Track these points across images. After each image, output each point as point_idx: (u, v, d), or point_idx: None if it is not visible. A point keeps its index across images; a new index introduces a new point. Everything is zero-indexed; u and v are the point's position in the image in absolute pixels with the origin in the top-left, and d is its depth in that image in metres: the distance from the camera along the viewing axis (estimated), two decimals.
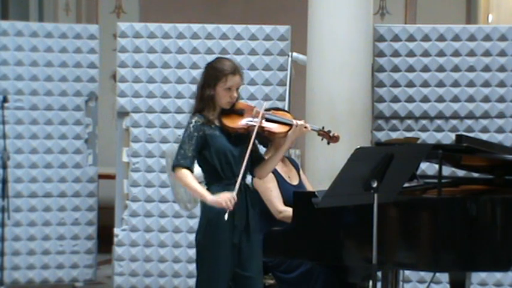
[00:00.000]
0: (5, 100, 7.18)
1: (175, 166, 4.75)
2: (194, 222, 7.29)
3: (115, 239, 7.45)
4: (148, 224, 7.40)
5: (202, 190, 4.73)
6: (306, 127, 4.83)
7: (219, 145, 4.77)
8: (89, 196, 7.69)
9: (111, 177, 8.10)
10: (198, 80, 4.90)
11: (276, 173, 5.68)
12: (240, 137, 4.79)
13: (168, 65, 7.39)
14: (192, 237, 7.33)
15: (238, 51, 7.37)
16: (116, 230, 7.45)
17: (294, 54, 7.35)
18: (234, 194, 4.61)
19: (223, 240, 4.74)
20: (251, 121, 4.79)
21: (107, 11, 10.88)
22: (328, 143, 5.04)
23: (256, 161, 4.94)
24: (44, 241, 7.60)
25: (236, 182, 4.67)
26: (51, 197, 7.61)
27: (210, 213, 4.77)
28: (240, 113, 4.83)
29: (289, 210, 5.45)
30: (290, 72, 7.32)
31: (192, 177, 4.73)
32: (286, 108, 6.90)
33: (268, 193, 5.62)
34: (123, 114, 7.45)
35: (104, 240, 7.83)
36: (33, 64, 7.55)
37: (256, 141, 5.05)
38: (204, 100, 4.81)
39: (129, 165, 7.42)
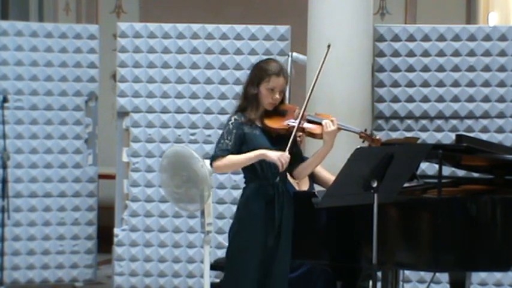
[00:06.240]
0: (5, 100, 7.18)
1: (214, 158, 4.77)
2: (194, 222, 7.29)
3: (115, 239, 7.44)
4: (148, 224, 7.40)
5: (256, 151, 4.73)
6: (334, 123, 4.79)
7: (258, 145, 4.78)
8: (89, 196, 7.69)
9: (111, 177, 8.10)
10: (244, 79, 4.94)
11: None
12: (282, 138, 4.78)
13: (168, 65, 7.39)
14: (192, 237, 7.35)
15: (238, 51, 7.36)
16: (116, 230, 7.45)
17: (294, 54, 7.34)
18: (286, 154, 4.66)
19: (254, 241, 4.75)
20: (293, 122, 4.79)
21: (107, 11, 10.87)
22: (369, 146, 5.00)
23: (297, 162, 4.93)
24: (44, 241, 7.60)
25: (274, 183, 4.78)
26: (51, 197, 7.60)
27: (244, 213, 4.81)
28: (282, 114, 4.85)
29: None
30: (290, 72, 7.31)
31: (233, 155, 4.74)
32: None
33: None
34: (123, 114, 7.45)
35: (104, 240, 7.83)
36: (33, 64, 7.55)
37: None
38: (248, 99, 4.85)
39: (129, 165, 7.42)
